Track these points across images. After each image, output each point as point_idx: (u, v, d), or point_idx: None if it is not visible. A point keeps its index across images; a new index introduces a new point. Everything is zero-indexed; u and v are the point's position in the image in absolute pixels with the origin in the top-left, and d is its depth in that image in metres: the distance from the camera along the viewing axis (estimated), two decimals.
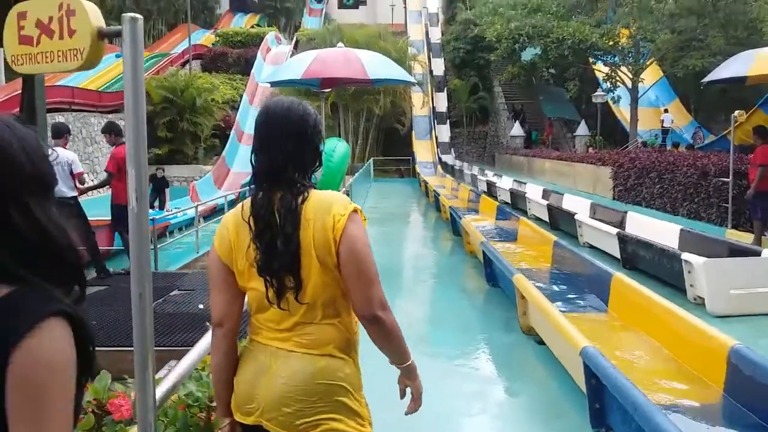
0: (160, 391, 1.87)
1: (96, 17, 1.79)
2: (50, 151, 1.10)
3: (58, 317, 0.97)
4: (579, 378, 4.19)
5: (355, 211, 1.79)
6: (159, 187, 17.36)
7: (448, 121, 35.09)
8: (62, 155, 7.78)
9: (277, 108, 1.89)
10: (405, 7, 44.03)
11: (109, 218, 9.03)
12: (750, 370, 3.82)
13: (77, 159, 8.11)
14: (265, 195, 1.81)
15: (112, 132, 8.40)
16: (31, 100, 4.94)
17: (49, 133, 8.11)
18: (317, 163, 1.93)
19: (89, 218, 8.39)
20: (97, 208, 10.38)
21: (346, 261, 1.75)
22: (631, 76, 26.72)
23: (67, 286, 1.06)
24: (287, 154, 1.82)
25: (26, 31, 1.95)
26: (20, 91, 5.38)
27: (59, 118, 21.22)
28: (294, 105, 1.89)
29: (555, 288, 7.12)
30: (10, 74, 23.81)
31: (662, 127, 26.50)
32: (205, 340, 2.34)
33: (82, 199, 8.27)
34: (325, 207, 1.77)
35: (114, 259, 9.26)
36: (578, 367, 4.12)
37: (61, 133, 8.32)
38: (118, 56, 28.61)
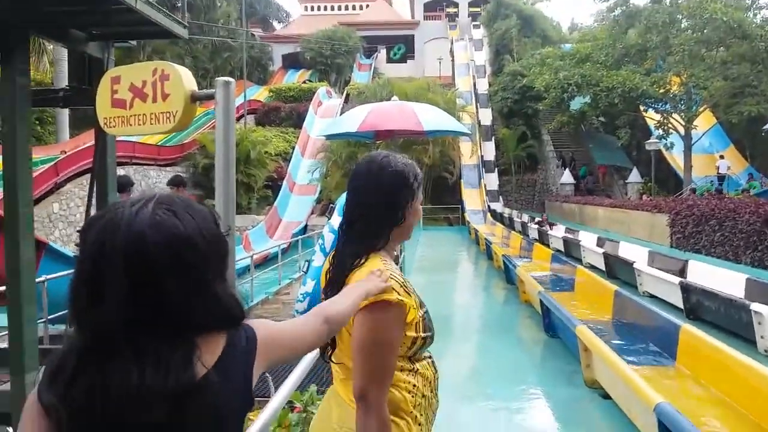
0: None
1: (189, 81, 1.89)
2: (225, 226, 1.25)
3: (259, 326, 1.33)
4: None
5: (380, 302, 1.67)
6: None
7: (496, 169, 35.05)
8: None
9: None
10: (452, 60, 44.70)
11: None
12: None
13: None
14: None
15: (180, 185, 8.67)
16: (103, 156, 5.16)
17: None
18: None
19: None
20: None
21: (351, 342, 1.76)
22: (683, 123, 26.36)
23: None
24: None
25: (119, 95, 2.06)
26: (85, 147, 5.67)
27: (121, 171, 22.04)
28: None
29: (618, 339, 6.92)
30: (74, 130, 24.96)
31: (718, 173, 25.91)
32: (279, 396, 2.35)
33: None
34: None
35: None
36: (651, 424, 3.97)
37: (125, 187, 8.62)
38: None
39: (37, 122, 25.82)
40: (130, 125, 2.08)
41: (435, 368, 1.93)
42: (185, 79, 1.88)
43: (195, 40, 40.34)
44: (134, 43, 6.05)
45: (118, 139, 24.85)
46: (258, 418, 2.10)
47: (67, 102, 5.69)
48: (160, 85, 1.95)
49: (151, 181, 23.76)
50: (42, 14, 4.59)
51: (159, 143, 27.64)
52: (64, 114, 24.35)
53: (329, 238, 8.68)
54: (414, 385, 1.78)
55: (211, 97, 1.78)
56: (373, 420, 1.63)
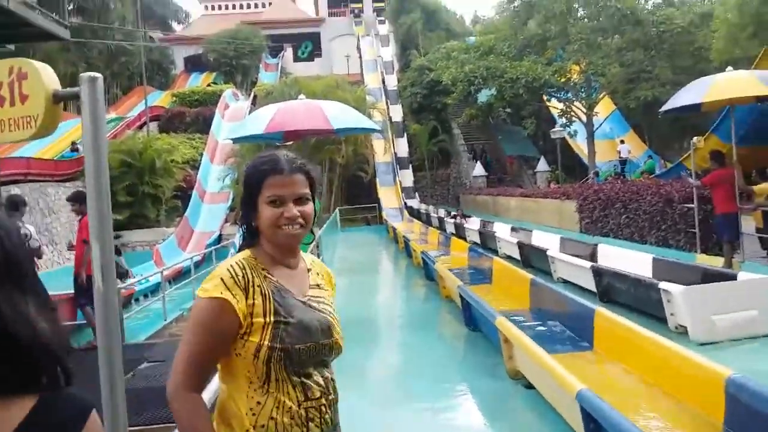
0: None
1: (50, 79, 1.64)
2: (23, 228, 0.99)
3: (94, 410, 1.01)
4: (575, 422, 4.04)
5: (201, 293, 1.66)
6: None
7: (410, 165, 35.33)
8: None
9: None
10: (360, 57, 44.69)
11: (70, 291, 8.69)
12: (750, 399, 3.71)
13: (35, 232, 7.81)
14: None
15: (79, 201, 8.11)
16: None
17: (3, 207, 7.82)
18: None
19: (49, 292, 8.03)
20: (57, 279, 10.01)
21: None
22: (585, 111, 27.36)
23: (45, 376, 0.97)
24: None
25: None
26: None
27: (15, 189, 20.69)
28: None
29: (537, 328, 6.99)
30: None
31: (620, 157, 27.07)
32: None
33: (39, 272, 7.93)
34: None
35: (77, 333, 8.86)
36: (574, 411, 3.97)
37: (17, 206, 8.01)
38: (72, 123, 28.28)
39: None
40: None
41: (310, 396, 1.66)
42: (45, 76, 1.62)
43: (90, 45, 38.47)
44: (12, 47, 5.57)
45: (11, 155, 23.35)
46: None
47: None
48: (18, 86, 1.69)
49: (50, 199, 22.38)
50: None
51: (56, 157, 26.16)
52: None
53: None
54: (258, 403, 1.61)
55: (76, 96, 1.54)
56: (172, 406, 1.60)
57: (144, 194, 25.67)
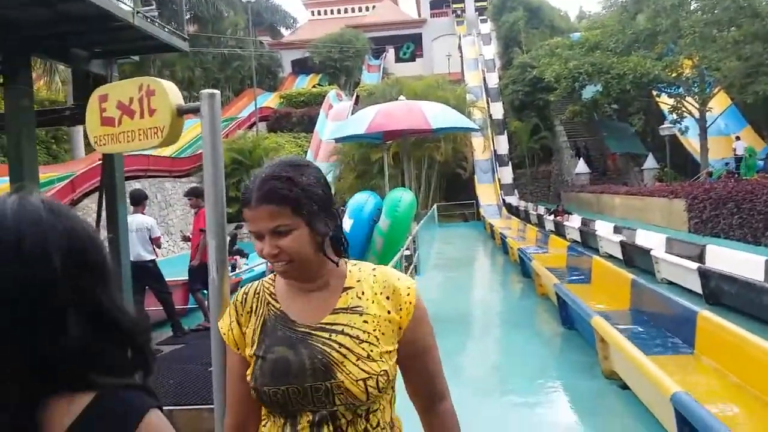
0: None
1: (175, 95, 1.90)
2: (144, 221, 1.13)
3: (156, 410, 0.93)
4: (670, 425, 4.00)
5: None
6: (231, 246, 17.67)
7: (509, 162, 34.91)
8: (142, 221, 8.20)
9: None
10: (461, 56, 44.57)
11: (184, 277, 9.35)
12: None
13: (155, 224, 8.47)
14: None
15: (196, 195, 8.75)
16: (111, 171, 5.21)
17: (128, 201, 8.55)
18: None
19: (166, 278, 8.72)
20: (172, 267, 10.74)
21: None
22: (698, 106, 26.05)
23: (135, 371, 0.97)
24: None
25: (108, 113, 2.08)
26: (100, 163, 5.73)
27: (136, 184, 22.26)
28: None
29: (636, 329, 6.86)
30: (89, 147, 25.23)
31: (735, 155, 25.56)
32: None
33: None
34: None
35: (189, 317, 9.51)
36: (669, 414, 3.93)
37: (140, 200, 8.73)
38: (188, 123, 29.96)
39: (53, 141, 26.10)
40: (120, 142, 2.09)
41: None
42: (171, 93, 1.89)
43: (205, 51, 40.57)
44: (137, 58, 6.11)
45: (132, 153, 25.14)
46: None
47: (73, 120, 5.76)
48: (147, 101, 1.97)
49: (167, 193, 23.95)
50: (42, 36, 4.65)
51: (173, 155, 27.85)
52: (79, 131, 24.61)
53: None
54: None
55: (197, 110, 1.79)
56: None
57: None
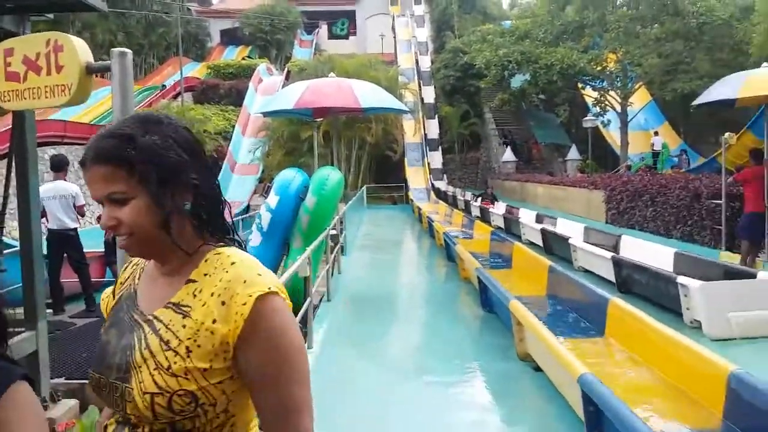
0: None
1: (84, 52, 1.78)
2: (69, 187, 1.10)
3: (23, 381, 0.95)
4: (577, 405, 4.14)
5: None
6: None
7: (439, 147, 35.27)
8: (65, 187, 7.85)
9: None
10: (395, 37, 44.50)
11: (100, 249, 9.01)
12: (750, 395, 3.78)
13: (80, 191, 8.13)
14: None
15: (62, 168, 8.43)
16: (22, 135, 4.91)
17: (48, 167, 8.15)
18: None
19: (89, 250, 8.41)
20: (89, 238, 10.32)
21: None
22: (620, 100, 27.00)
23: None
24: None
25: (13, 68, 1.93)
26: (11, 127, 5.38)
27: (51, 151, 21.22)
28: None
29: (551, 314, 7.08)
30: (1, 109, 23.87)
31: (653, 150, 26.70)
32: None
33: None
34: None
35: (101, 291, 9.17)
36: (576, 394, 4.07)
37: (61, 166, 8.35)
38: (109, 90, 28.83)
39: None
40: (25, 99, 1.96)
41: None
42: (80, 50, 1.77)
43: (128, 15, 38.91)
44: (52, 16, 5.75)
45: (49, 117, 23.90)
46: None
47: None
48: (54, 57, 1.84)
49: None
50: None
51: (92, 122, 26.72)
52: None
53: (266, 218, 8.59)
54: None
55: (107, 69, 1.68)
56: None
57: None
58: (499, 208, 19.83)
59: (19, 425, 0.90)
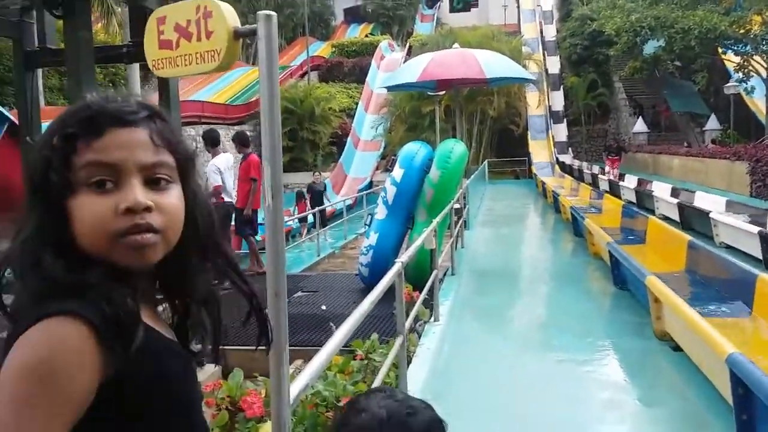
0: (294, 389, 1.86)
1: (232, 17, 1.83)
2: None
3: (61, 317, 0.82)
4: (723, 387, 3.88)
5: None
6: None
7: (564, 119, 34.05)
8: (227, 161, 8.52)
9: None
10: (518, 7, 43.27)
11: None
12: None
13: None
14: None
15: (240, 142, 8.88)
16: (167, 108, 5.24)
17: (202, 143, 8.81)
18: None
19: None
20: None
21: None
22: (765, 66, 24.78)
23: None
24: None
25: (166, 36, 2.03)
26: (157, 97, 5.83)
27: (191, 131, 22.55)
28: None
29: (692, 291, 6.66)
30: (144, 91, 25.60)
31: None
32: (335, 340, 2.34)
33: None
34: None
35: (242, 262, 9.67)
36: (723, 376, 3.81)
37: (216, 141, 8.99)
38: (242, 71, 30.08)
39: (111, 84, 26.56)
40: (177, 66, 2.05)
41: None
42: (228, 15, 1.82)
43: None
44: None
45: (188, 98, 25.36)
46: (309, 364, 2.09)
47: (130, 58, 5.78)
48: (204, 23, 1.91)
49: (221, 140, 24.26)
50: None
51: (227, 102, 28.05)
52: (135, 75, 24.95)
53: (391, 191, 8.67)
54: None
55: (254, 33, 1.72)
56: None
57: (303, 140, 27.05)
58: (629, 182, 18.92)
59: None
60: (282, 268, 1.73)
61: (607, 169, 23.95)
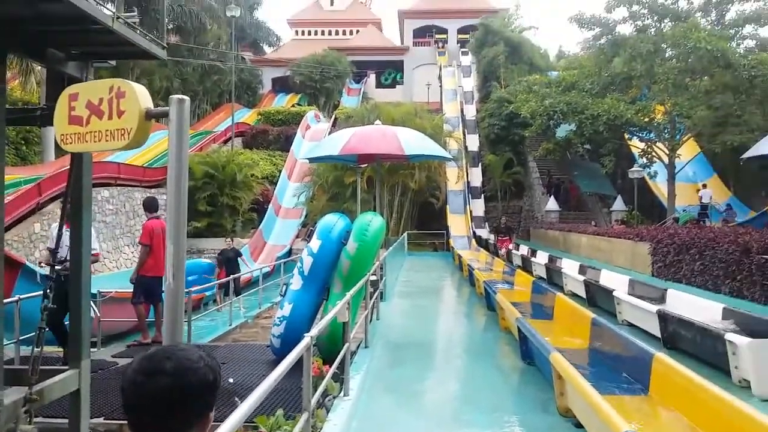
0: None
1: (144, 98, 1.89)
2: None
3: None
4: None
5: None
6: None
7: (482, 195, 35.24)
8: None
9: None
10: (441, 86, 45.11)
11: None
12: None
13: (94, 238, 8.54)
14: None
15: (145, 207, 8.82)
16: (79, 175, 5.13)
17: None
18: None
19: (123, 290, 8.71)
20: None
21: None
22: (667, 152, 26.66)
23: None
24: None
25: (77, 112, 2.06)
26: (68, 167, 5.65)
27: (105, 192, 21.95)
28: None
29: (593, 368, 6.91)
30: (59, 151, 24.90)
31: (701, 203, 26.16)
32: (236, 416, 2.33)
33: (117, 272, 8.57)
34: None
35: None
36: None
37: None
38: (162, 134, 29.83)
39: (23, 142, 25.68)
40: (86, 142, 2.08)
41: None
42: (141, 96, 1.88)
43: (185, 62, 40.43)
44: (114, 63, 6.06)
45: (104, 159, 24.80)
46: None
47: (44, 121, 5.64)
48: (116, 102, 1.96)
49: (136, 203, 23.64)
50: (19, 33, 4.59)
51: (144, 165, 27.56)
52: (51, 134, 24.29)
53: (308, 262, 8.69)
54: None
55: (165, 114, 1.79)
56: None
57: (223, 205, 26.74)
58: (541, 258, 19.61)
59: None
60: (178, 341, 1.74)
61: (500, 248, 24.93)
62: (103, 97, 2.00)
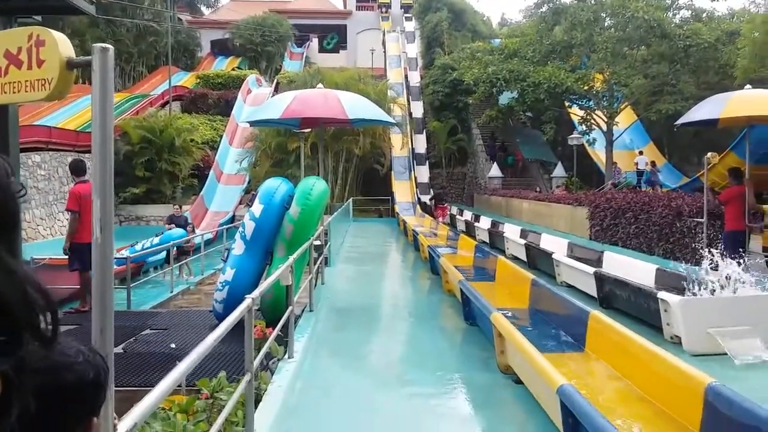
0: (121, 430, 1.78)
1: (66, 47, 1.78)
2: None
3: None
4: (557, 417, 4.15)
5: None
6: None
7: (426, 162, 35.39)
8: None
9: None
10: (384, 52, 44.76)
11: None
12: (726, 407, 3.80)
13: None
14: None
15: (72, 170, 8.50)
16: (4, 134, 4.89)
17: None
18: None
19: (57, 257, 8.45)
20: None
21: None
22: (605, 120, 27.28)
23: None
24: None
25: None
26: None
27: (36, 157, 21.06)
28: None
29: (533, 327, 7.11)
30: None
31: (637, 169, 26.97)
32: (170, 378, 2.28)
33: (51, 239, 8.30)
34: None
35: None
36: (556, 406, 4.08)
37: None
38: None
39: None
40: (5, 93, 1.95)
41: None
42: (61, 44, 1.77)
43: (119, 22, 38.86)
44: (39, 18, 5.76)
45: (35, 123, 23.69)
46: (139, 403, 2.01)
47: None
48: (36, 51, 1.84)
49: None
50: None
51: (78, 129, 26.53)
52: None
53: (250, 226, 8.57)
54: None
55: (88, 64, 1.69)
56: None
57: (162, 171, 26.07)
58: (484, 223, 19.92)
59: None
60: (109, 303, 1.68)
61: (438, 216, 25.28)
62: (21, 45, 1.88)
